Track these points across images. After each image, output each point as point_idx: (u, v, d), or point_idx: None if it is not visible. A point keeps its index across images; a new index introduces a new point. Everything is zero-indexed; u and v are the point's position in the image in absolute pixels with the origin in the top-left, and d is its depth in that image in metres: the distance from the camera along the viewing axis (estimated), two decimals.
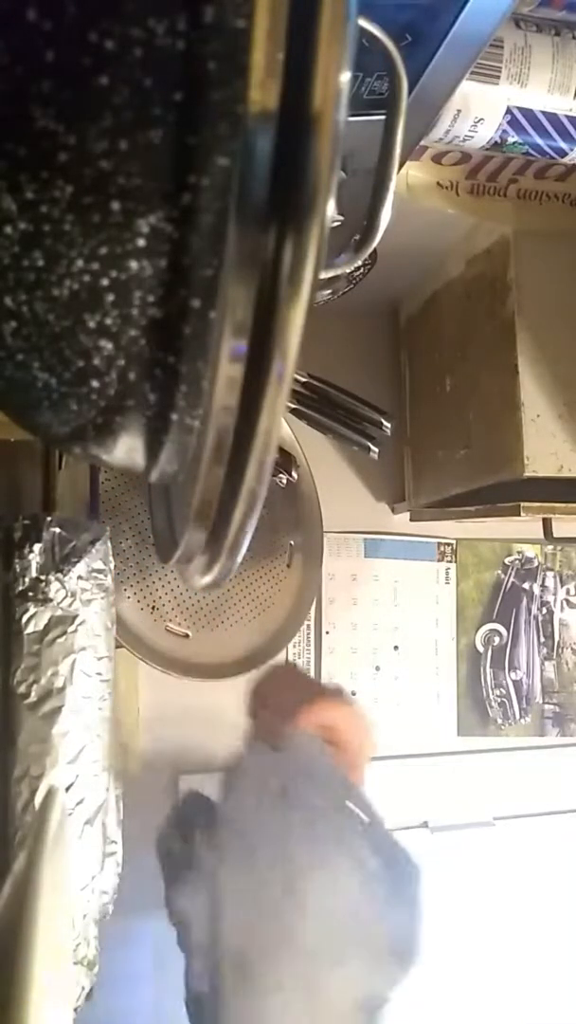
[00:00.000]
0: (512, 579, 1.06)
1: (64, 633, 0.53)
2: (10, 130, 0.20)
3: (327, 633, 0.98)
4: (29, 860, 0.39)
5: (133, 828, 0.58)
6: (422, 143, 0.57)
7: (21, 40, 0.19)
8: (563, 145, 0.57)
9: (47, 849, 0.41)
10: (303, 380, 0.72)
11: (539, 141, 0.56)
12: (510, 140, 0.56)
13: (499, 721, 1.04)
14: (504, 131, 0.56)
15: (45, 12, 0.18)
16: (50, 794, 0.49)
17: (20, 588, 0.53)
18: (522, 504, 0.75)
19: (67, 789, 0.51)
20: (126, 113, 0.19)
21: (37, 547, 0.54)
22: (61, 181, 0.20)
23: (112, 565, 0.57)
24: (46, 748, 0.51)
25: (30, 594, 0.53)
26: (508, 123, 0.55)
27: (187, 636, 0.80)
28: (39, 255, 0.21)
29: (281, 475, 0.75)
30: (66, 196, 0.20)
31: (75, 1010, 0.47)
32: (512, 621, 1.06)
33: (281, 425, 0.24)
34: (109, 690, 0.55)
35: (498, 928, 1.00)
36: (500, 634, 1.05)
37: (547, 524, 0.81)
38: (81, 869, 0.52)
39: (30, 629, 0.52)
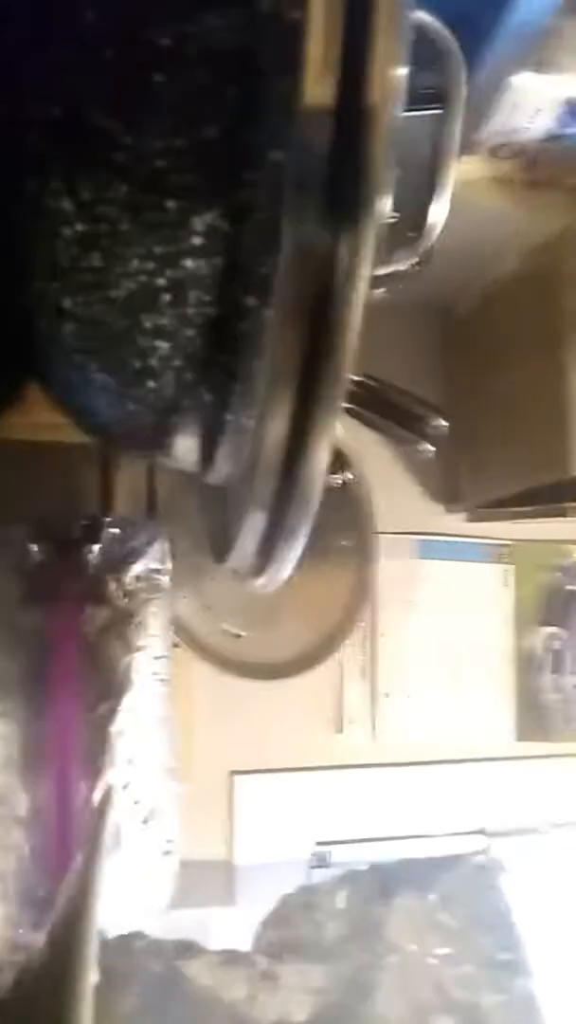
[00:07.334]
0: (571, 582, 1.04)
1: (121, 633, 0.53)
2: (67, 130, 0.20)
3: (382, 635, 0.98)
4: (86, 859, 0.40)
5: (189, 827, 0.58)
6: (478, 136, 0.56)
7: (78, 39, 0.19)
8: None
9: (104, 848, 0.41)
10: (356, 379, 0.71)
11: None
12: (568, 132, 0.55)
13: (558, 726, 1.02)
14: (562, 122, 0.55)
15: (100, 11, 0.19)
16: (107, 793, 0.49)
17: (78, 588, 0.53)
18: (567, 506, 0.73)
19: (124, 788, 0.51)
20: (182, 110, 0.19)
21: (95, 548, 0.54)
22: (117, 181, 0.20)
23: (169, 565, 0.57)
24: (103, 748, 0.51)
25: (88, 594, 0.53)
26: (566, 114, 0.54)
27: (242, 636, 0.80)
28: (97, 256, 0.21)
29: (337, 476, 0.75)
30: (122, 196, 0.20)
31: None
32: (571, 624, 1.04)
33: (337, 425, 0.24)
34: (166, 690, 0.55)
35: (551, 936, 0.98)
36: (559, 637, 1.03)
37: None
38: (138, 868, 0.52)
39: (87, 629, 0.53)
